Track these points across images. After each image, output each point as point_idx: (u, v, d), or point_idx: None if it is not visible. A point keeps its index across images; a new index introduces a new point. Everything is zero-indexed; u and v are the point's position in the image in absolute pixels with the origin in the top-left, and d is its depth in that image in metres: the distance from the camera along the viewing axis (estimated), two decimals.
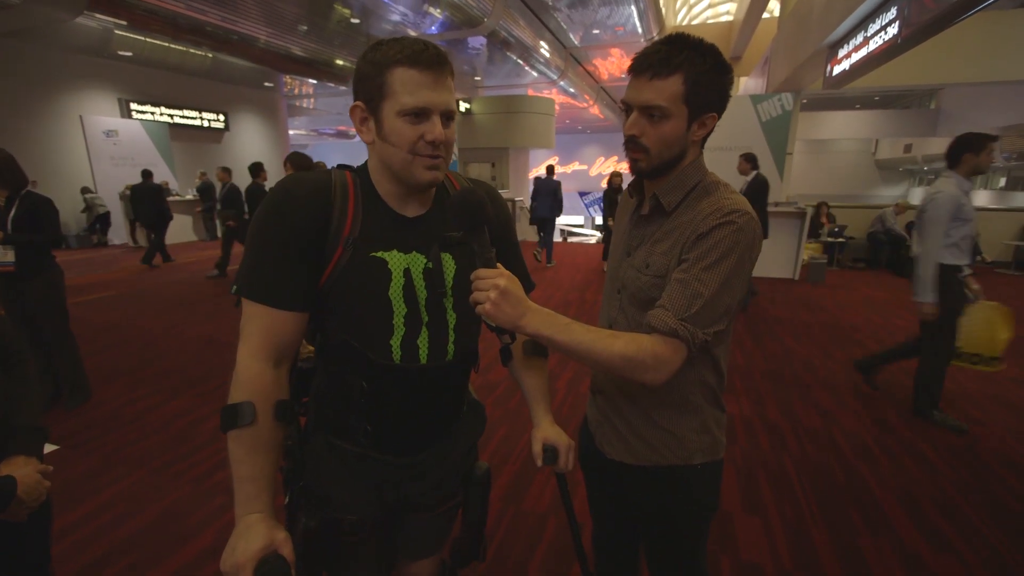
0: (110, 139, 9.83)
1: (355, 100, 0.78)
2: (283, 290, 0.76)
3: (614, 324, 0.98)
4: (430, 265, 0.84)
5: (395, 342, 0.83)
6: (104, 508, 2.07)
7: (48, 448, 2.52)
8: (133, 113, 10.47)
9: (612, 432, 1.00)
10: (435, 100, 0.75)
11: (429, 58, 0.73)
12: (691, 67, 0.79)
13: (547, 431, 0.95)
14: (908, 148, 19.44)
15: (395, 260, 0.82)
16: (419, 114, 0.74)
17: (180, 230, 10.44)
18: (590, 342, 0.79)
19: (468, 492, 1.00)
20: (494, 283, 0.76)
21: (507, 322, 0.77)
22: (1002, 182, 18.47)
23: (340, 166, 0.85)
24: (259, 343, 0.77)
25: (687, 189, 0.88)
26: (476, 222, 0.78)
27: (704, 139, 0.88)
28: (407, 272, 0.82)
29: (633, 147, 0.86)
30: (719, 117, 0.85)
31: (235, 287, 0.77)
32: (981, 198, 18.23)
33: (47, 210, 2.73)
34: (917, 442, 2.65)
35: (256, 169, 6.59)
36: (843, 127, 18.48)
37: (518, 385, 1.01)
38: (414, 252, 0.83)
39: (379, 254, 0.81)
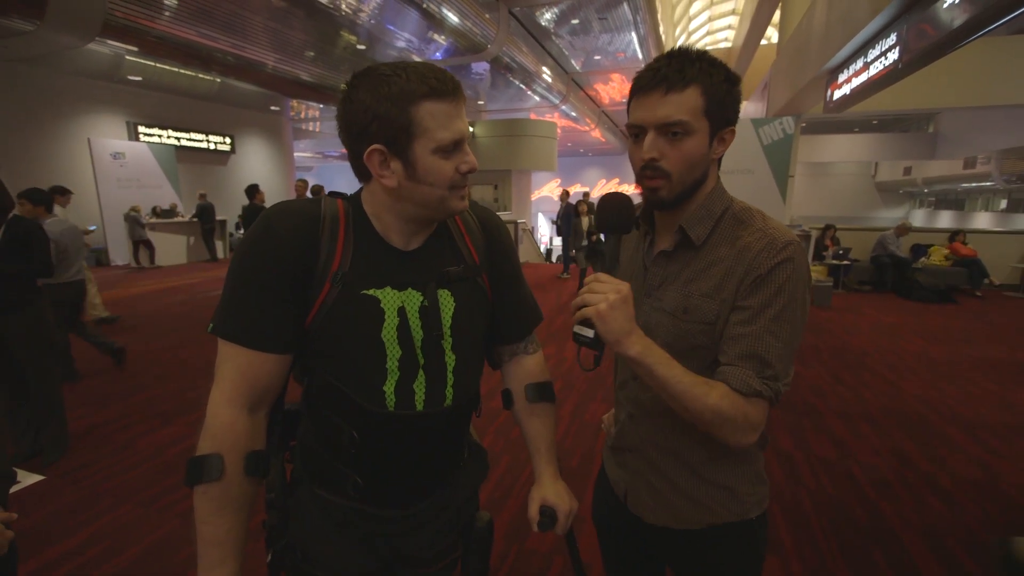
0: (117, 161, 9.90)
1: (368, 143, 0.69)
2: (262, 330, 0.71)
3: (634, 377, 0.88)
4: (426, 303, 0.78)
5: (389, 388, 0.76)
6: (89, 543, 1.98)
7: (35, 478, 2.44)
8: (140, 136, 10.59)
9: (650, 495, 0.89)
10: (464, 129, 0.72)
11: (453, 87, 0.70)
12: (707, 78, 0.72)
13: (547, 490, 0.87)
14: (908, 171, 19.55)
15: (388, 298, 0.75)
16: (454, 147, 0.71)
17: (178, 251, 10.44)
18: (688, 385, 0.70)
19: (468, 545, 0.92)
20: (616, 287, 0.70)
21: (612, 332, 0.69)
22: (1003, 204, 18.49)
23: (332, 194, 0.80)
24: (233, 387, 0.71)
25: (715, 218, 0.79)
26: (623, 223, 0.77)
27: (720, 159, 0.81)
28: (402, 311, 0.76)
29: (652, 173, 0.75)
30: (734, 132, 0.79)
31: (211, 325, 0.71)
32: (982, 220, 18.24)
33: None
34: (937, 475, 2.54)
35: (252, 191, 6.50)
36: (842, 150, 18.58)
37: (521, 433, 0.94)
38: (409, 289, 0.77)
39: (371, 292, 0.74)
